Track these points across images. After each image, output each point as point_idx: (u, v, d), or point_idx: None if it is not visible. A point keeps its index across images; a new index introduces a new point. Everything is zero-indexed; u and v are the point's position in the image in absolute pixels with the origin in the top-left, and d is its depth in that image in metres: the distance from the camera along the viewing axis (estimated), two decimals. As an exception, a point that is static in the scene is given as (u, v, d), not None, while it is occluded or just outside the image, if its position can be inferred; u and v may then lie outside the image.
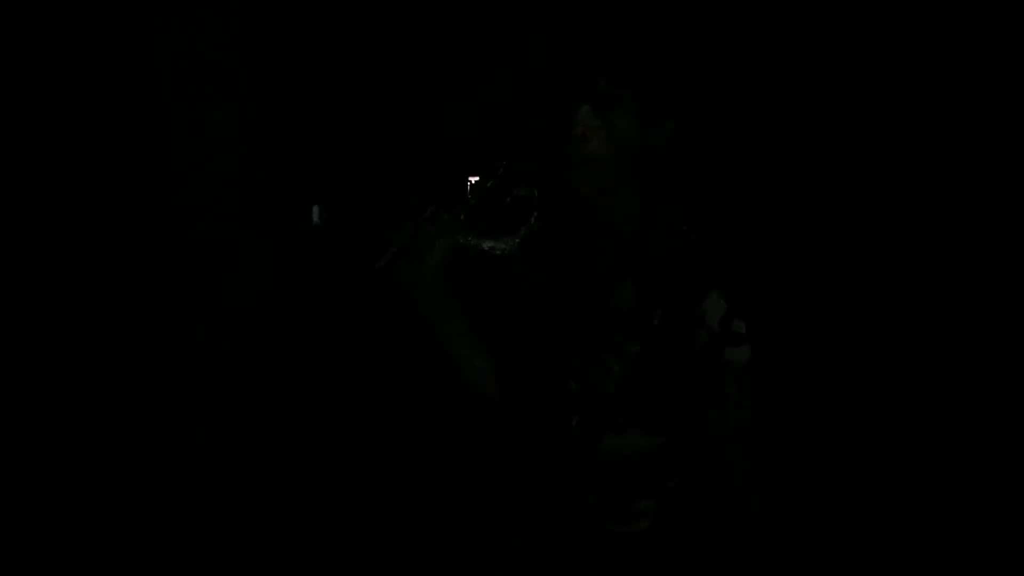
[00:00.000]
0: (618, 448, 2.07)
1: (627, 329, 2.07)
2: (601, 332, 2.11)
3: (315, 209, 2.55)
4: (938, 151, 2.92)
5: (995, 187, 2.90)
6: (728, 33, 2.76)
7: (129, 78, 2.54)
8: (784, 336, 2.82)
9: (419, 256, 2.16)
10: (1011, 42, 2.89)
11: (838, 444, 2.96)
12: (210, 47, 2.50)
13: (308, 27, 2.62)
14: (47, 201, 2.54)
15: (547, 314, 2.20)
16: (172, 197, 2.54)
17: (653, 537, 2.07)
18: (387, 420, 2.54)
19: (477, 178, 2.43)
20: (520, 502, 2.17)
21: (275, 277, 2.56)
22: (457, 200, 2.25)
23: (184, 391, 2.55)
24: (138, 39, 2.51)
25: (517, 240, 2.29)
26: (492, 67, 2.51)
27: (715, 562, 2.05)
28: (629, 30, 2.16)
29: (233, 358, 2.54)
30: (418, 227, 2.18)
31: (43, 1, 2.40)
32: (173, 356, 2.55)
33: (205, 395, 2.54)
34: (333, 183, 2.61)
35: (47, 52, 2.48)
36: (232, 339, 2.54)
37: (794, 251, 2.94)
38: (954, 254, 2.86)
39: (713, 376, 2.01)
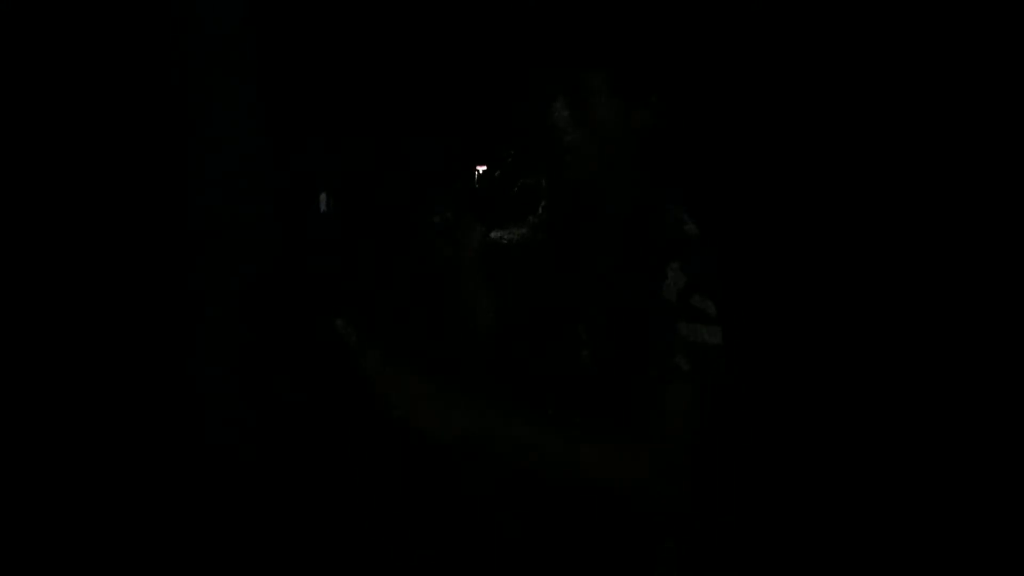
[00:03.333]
0: (594, 427, 2.07)
1: (599, 299, 2.08)
2: (576, 305, 2.11)
3: (323, 197, 2.57)
4: (923, 140, 2.93)
5: (982, 182, 2.93)
6: (707, 12, 2.77)
7: (145, 67, 2.54)
8: (764, 324, 2.82)
9: (459, 240, 2.19)
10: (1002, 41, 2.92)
11: (813, 439, 2.97)
12: (223, 34, 2.50)
13: (317, 19, 2.63)
14: (60, 186, 2.54)
15: (533, 289, 2.22)
16: (184, 183, 2.55)
17: (632, 514, 2.07)
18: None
19: (485, 167, 2.45)
20: (503, 476, 2.18)
21: (284, 263, 2.57)
22: (471, 189, 2.28)
23: (193, 377, 2.55)
24: (154, 28, 2.51)
25: (524, 229, 2.31)
26: (474, 58, 2.52)
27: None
28: (604, 11, 2.15)
29: (242, 343, 2.55)
30: (459, 212, 2.20)
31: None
32: (182, 342, 2.55)
33: (213, 381, 2.55)
34: (340, 172, 2.63)
35: (65, 37, 2.48)
36: (240, 325, 2.55)
37: (783, 239, 2.95)
38: (950, 249, 2.89)
39: (666, 350, 1.98)
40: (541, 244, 2.27)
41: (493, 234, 2.32)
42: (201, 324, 2.53)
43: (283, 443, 2.64)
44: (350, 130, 2.66)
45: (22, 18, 2.44)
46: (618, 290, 2.03)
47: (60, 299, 2.53)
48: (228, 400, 2.53)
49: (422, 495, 2.61)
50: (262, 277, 2.52)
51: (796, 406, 2.96)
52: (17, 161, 2.50)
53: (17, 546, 2.47)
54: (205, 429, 2.55)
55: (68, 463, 2.53)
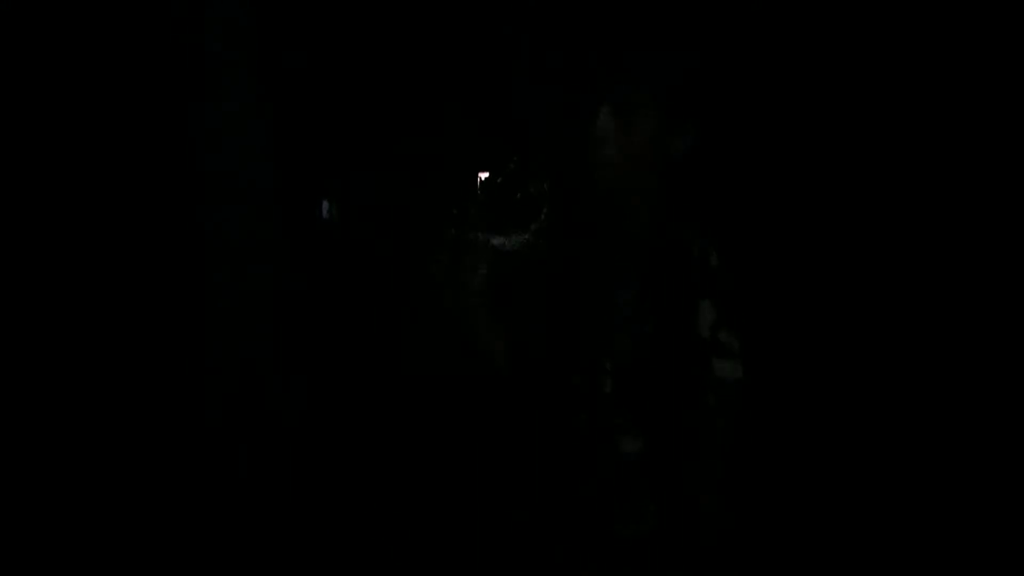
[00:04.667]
0: (614, 450, 2.08)
1: (624, 330, 2.08)
2: (599, 331, 2.11)
3: (324, 204, 2.56)
4: (968, 179, 2.86)
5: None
6: (754, 46, 2.74)
7: (145, 72, 2.54)
8: (783, 356, 2.77)
9: (462, 283, 2.19)
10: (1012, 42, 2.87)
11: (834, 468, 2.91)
12: (226, 41, 2.50)
13: (323, 22, 2.63)
14: (59, 194, 2.54)
15: (553, 309, 2.21)
16: (185, 191, 2.54)
17: (655, 540, 2.07)
18: (398, 412, 2.55)
19: (488, 174, 2.44)
20: (523, 500, 2.18)
21: (288, 272, 2.57)
22: (487, 218, 2.27)
23: (198, 387, 2.55)
24: (155, 34, 2.51)
25: (527, 236, 2.30)
26: (513, 65, 2.50)
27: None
28: (657, 37, 2.16)
29: (245, 356, 2.55)
30: (457, 252, 2.20)
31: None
32: (186, 352, 2.55)
33: (219, 392, 2.55)
34: (345, 178, 2.62)
35: (63, 43, 2.49)
36: (245, 334, 2.54)
37: (807, 273, 2.89)
38: (972, 279, 2.82)
39: (697, 385, 2.01)
40: (551, 256, 2.27)
41: (495, 241, 2.31)
42: (207, 333, 2.53)
43: (290, 450, 2.63)
44: (356, 139, 2.65)
45: (22, 25, 2.44)
46: (644, 322, 2.04)
47: (65, 310, 2.53)
48: (235, 408, 2.53)
49: (427, 496, 2.60)
50: (268, 284, 2.52)
51: (817, 439, 2.90)
52: (24, 173, 2.51)
53: (19, 546, 2.48)
54: (211, 438, 2.55)
55: (72, 471, 2.53)
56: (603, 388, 2.09)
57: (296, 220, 2.58)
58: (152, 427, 2.49)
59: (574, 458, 2.12)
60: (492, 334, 2.22)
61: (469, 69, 2.55)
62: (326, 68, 2.63)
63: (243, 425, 2.49)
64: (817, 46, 2.72)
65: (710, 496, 2.03)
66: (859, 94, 2.76)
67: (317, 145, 2.64)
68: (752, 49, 2.67)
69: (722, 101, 2.39)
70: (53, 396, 2.51)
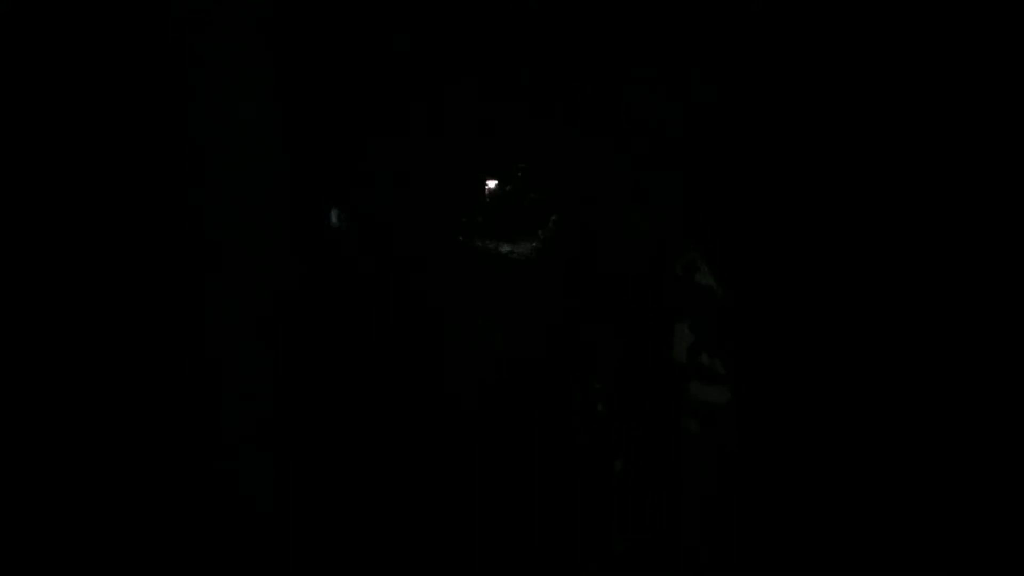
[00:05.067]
0: (607, 470, 2.08)
1: (613, 351, 2.09)
2: (589, 352, 2.12)
3: (334, 212, 2.57)
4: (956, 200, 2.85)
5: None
6: (746, 67, 2.75)
7: (156, 80, 2.54)
8: (772, 375, 2.76)
9: (468, 293, 2.22)
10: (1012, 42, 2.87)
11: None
12: (236, 49, 2.50)
13: (334, 31, 2.63)
14: (69, 201, 2.54)
15: (549, 328, 2.22)
16: (194, 198, 2.54)
17: (648, 551, 2.08)
18: (399, 419, 2.55)
19: (496, 182, 2.45)
20: (520, 517, 2.19)
21: (296, 277, 2.57)
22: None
23: (206, 392, 2.55)
24: (166, 40, 2.51)
25: (535, 243, 2.31)
26: (511, 79, 2.51)
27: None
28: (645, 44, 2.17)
29: (254, 359, 2.55)
30: (462, 261, 2.23)
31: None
32: (195, 359, 2.55)
33: (226, 396, 2.55)
34: (354, 186, 2.62)
35: (73, 48, 2.49)
36: (253, 339, 2.55)
37: (802, 297, 2.88)
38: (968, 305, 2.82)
39: (678, 408, 2.01)
40: (552, 265, 2.27)
41: (503, 248, 2.32)
42: (216, 341, 2.53)
43: (302, 455, 2.63)
44: (363, 143, 2.66)
45: (24, 26, 2.44)
46: (630, 344, 2.04)
47: (73, 319, 2.53)
48: (245, 419, 2.53)
49: (432, 503, 2.60)
50: (273, 290, 2.52)
51: (807, 466, 2.88)
52: (29, 183, 2.51)
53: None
54: (221, 446, 2.55)
55: (80, 483, 2.53)
56: (594, 407, 2.10)
57: (304, 226, 2.58)
58: (151, 427, 2.49)
59: (565, 471, 2.14)
60: (493, 346, 2.24)
61: (475, 77, 2.56)
62: (334, 74, 2.63)
63: (244, 427, 2.49)
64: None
65: (701, 510, 2.03)
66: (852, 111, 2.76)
67: (325, 151, 2.64)
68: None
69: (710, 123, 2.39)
70: (55, 395, 2.51)
